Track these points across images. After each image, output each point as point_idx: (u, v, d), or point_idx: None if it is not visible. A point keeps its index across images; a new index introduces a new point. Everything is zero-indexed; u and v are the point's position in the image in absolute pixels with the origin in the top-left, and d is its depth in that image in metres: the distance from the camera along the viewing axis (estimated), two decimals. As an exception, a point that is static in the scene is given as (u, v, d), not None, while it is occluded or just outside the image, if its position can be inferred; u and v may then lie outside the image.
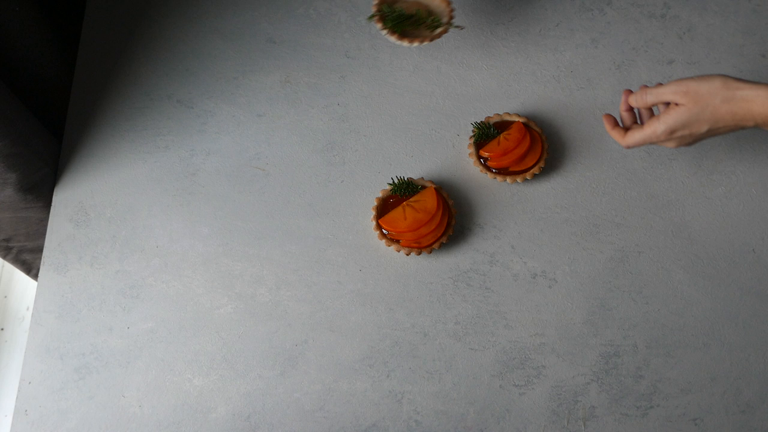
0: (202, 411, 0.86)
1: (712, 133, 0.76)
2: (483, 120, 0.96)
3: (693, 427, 0.84)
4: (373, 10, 0.93)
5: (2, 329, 1.61)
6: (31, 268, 1.14)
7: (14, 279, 1.65)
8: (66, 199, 0.96)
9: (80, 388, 0.87)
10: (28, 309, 1.62)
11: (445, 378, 0.86)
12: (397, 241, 0.89)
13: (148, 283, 0.91)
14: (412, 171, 0.96)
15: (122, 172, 0.97)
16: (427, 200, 0.89)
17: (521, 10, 1.05)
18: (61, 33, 1.06)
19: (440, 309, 0.89)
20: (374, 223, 0.90)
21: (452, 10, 0.95)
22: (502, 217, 0.93)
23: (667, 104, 0.79)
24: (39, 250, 0.97)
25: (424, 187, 0.91)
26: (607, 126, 0.84)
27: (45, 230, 0.95)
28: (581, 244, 0.92)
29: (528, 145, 0.92)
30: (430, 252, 0.89)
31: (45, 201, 0.97)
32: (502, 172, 0.93)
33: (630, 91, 0.83)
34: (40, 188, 0.96)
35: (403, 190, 0.91)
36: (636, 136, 0.79)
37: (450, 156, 0.97)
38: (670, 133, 0.77)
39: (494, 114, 0.96)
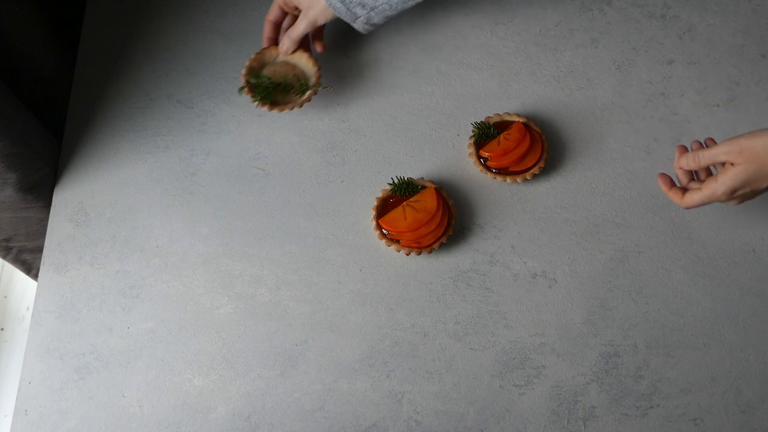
0: (202, 411, 0.86)
1: None
2: (483, 120, 0.96)
3: (693, 427, 0.84)
4: (242, 81, 0.95)
5: (2, 329, 1.61)
6: (31, 268, 1.14)
7: (14, 279, 1.65)
8: (66, 199, 0.96)
9: (80, 388, 0.87)
10: (28, 309, 1.62)
11: (445, 378, 0.86)
12: (397, 241, 0.89)
13: (148, 283, 0.91)
14: (412, 171, 0.96)
15: (122, 172, 0.97)
16: (427, 200, 0.89)
17: (521, 10, 1.05)
18: (61, 33, 1.06)
19: (440, 309, 0.89)
20: (374, 223, 0.90)
21: (319, 69, 0.96)
22: (502, 217, 0.93)
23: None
24: (39, 250, 0.97)
25: (424, 187, 0.91)
26: (664, 187, 0.81)
27: (45, 230, 0.95)
28: (581, 244, 0.92)
29: (528, 145, 0.92)
30: (430, 252, 0.89)
31: (45, 201, 0.97)
32: (502, 172, 0.93)
33: (684, 148, 0.81)
34: (40, 188, 0.96)
35: (403, 190, 0.91)
36: (695, 197, 0.78)
37: (450, 156, 0.97)
38: (731, 194, 0.75)
39: (494, 114, 0.96)
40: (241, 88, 0.94)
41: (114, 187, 0.97)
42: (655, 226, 0.92)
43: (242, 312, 0.90)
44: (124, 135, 0.99)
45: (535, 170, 0.92)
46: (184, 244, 0.93)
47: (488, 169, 0.93)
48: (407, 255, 0.90)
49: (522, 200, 0.94)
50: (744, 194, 0.76)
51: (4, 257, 1.09)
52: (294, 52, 0.96)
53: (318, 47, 0.99)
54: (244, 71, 0.95)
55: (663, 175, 0.82)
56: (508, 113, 0.96)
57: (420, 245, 0.88)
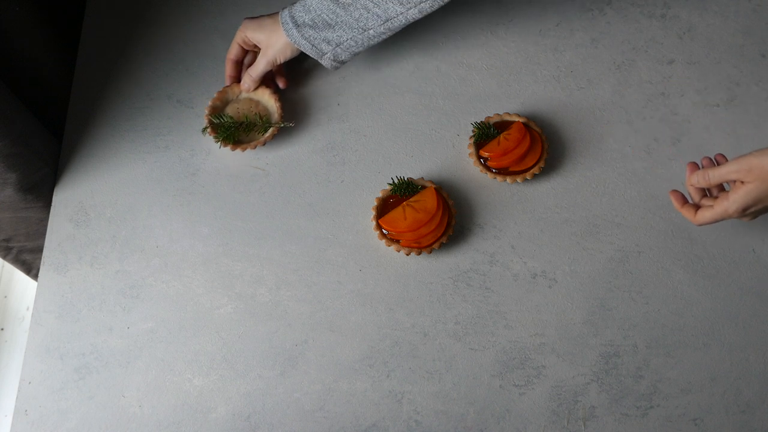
0: (202, 411, 0.86)
1: None
2: (483, 120, 0.96)
3: (693, 427, 0.84)
4: (205, 121, 0.96)
5: (2, 329, 1.61)
6: (31, 268, 1.14)
7: (14, 279, 1.65)
8: (66, 199, 0.96)
9: (80, 388, 0.87)
10: (28, 309, 1.62)
11: (445, 378, 0.86)
12: (397, 241, 0.89)
13: (148, 283, 0.91)
14: (412, 171, 0.96)
15: (122, 172, 0.97)
16: (427, 200, 0.89)
17: (521, 10, 1.05)
18: (61, 33, 1.06)
19: (440, 309, 0.89)
20: (374, 223, 0.90)
21: (281, 105, 0.97)
22: (502, 217, 0.93)
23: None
24: (39, 250, 0.97)
25: (424, 187, 0.91)
26: (676, 204, 0.82)
27: (45, 230, 0.95)
28: (581, 244, 0.92)
29: (528, 145, 0.92)
30: (430, 252, 0.89)
31: (45, 201, 0.97)
32: (502, 172, 0.93)
33: (695, 165, 0.81)
34: (40, 188, 0.96)
35: (403, 190, 0.91)
36: (707, 215, 0.78)
37: (450, 156, 0.97)
38: (743, 211, 0.76)
39: (494, 114, 0.96)
40: (204, 129, 0.95)
41: (114, 187, 0.97)
42: (655, 226, 0.92)
43: (242, 312, 0.90)
44: (124, 135, 0.99)
45: (535, 170, 0.92)
46: (184, 244, 0.93)
47: (488, 169, 0.93)
48: (407, 255, 0.90)
49: (522, 200, 0.94)
50: (757, 211, 0.77)
51: (4, 257, 1.09)
52: (256, 89, 0.97)
53: (280, 83, 1.00)
54: (207, 111, 0.96)
55: (675, 192, 0.83)
56: (508, 113, 0.96)
57: (420, 245, 0.88)
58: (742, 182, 0.74)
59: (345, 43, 0.89)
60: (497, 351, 0.87)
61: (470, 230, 0.93)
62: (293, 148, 0.98)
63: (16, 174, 0.91)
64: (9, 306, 1.63)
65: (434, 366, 0.87)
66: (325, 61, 0.92)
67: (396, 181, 0.92)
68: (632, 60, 1.01)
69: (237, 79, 0.99)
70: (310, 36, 0.89)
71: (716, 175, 0.77)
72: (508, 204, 0.94)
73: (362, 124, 0.99)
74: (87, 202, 0.96)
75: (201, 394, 0.86)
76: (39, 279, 0.92)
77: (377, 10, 0.86)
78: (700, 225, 0.80)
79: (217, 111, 0.97)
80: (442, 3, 0.85)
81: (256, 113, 0.97)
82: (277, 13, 0.92)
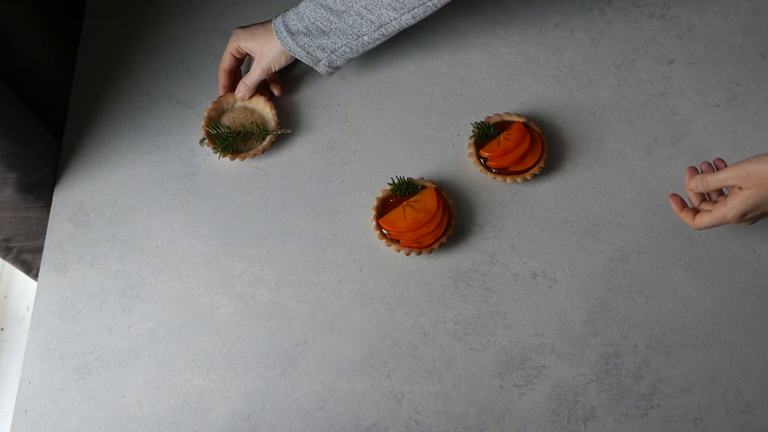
0: (202, 411, 0.86)
1: None
2: (483, 120, 0.96)
3: (693, 427, 0.84)
4: (202, 132, 0.96)
5: (2, 329, 1.61)
6: (31, 268, 1.14)
7: (14, 279, 1.65)
8: (66, 199, 0.96)
9: (80, 388, 0.87)
10: (28, 309, 1.62)
11: (445, 378, 0.86)
12: (397, 241, 0.89)
13: (148, 283, 0.91)
14: (412, 171, 0.96)
15: (122, 172, 0.97)
16: (427, 200, 0.89)
17: (521, 10, 1.05)
18: (61, 33, 1.06)
19: (440, 309, 0.89)
20: (374, 223, 0.90)
21: (277, 112, 0.97)
22: (502, 217, 0.93)
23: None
24: (39, 250, 0.97)
25: (424, 187, 0.91)
26: (675, 208, 0.82)
27: (45, 230, 0.95)
28: (581, 244, 0.92)
29: (528, 145, 0.92)
30: (430, 252, 0.89)
31: (45, 201, 0.97)
32: (502, 172, 0.93)
33: (694, 170, 0.82)
34: (40, 188, 0.96)
35: (403, 190, 0.91)
36: (706, 220, 0.78)
37: (450, 156, 0.97)
38: (741, 217, 0.76)
39: (494, 114, 0.96)
40: (202, 140, 0.95)
41: (114, 187, 0.97)
42: (655, 226, 0.92)
43: (242, 312, 0.90)
44: (124, 135, 0.99)
45: (535, 170, 0.92)
46: (184, 244, 0.93)
47: (488, 169, 0.93)
48: (407, 255, 0.90)
49: (522, 200, 0.94)
50: (755, 216, 0.77)
51: (4, 257, 1.09)
52: (251, 97, 0.97)
53: (275, 90, 1.00)
54: (203, 122, 0.96)
55: (674, 196, 0.83)
56: (508, 113, 0.96)
57: (420, 245, 0.88)
58: (741, 188, 0.75)
59: (340, 50, 0.89)
60: (497, 351, 0.87)
61: (470, 230, 0.93)
62: (293, 148, 0.98)
63: (16, 174, 0.91)
64: (9, 306, 1.63)
65: (434, 366, 0.87)
66: (320, 68, 0.93)
67: (396, 181, 0.92)
68: (632, 60, 1.01)
69: (230, 88, 0.99)
70: (304, 44, 0.89)
71: (714, 180, 0.77)
72: (508, 204, 0.94)
73: (362, 124, 0.99)
74: (87, 202, 0.96)
75: (201, 394, 0.86)
76: (39, 279, 0.92)
77: (371, 16, 0.86)
78: (699, 229, 0.80)
79: (213, 121, 0.97)
80: (434, 8, 0.85)
81: (252, 122, 0.97)
82: (270, 21, 0.93)
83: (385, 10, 0.85)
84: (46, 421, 0.86)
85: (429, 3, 0.84)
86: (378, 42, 0.89)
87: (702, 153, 0.95)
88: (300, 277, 0.91)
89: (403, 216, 0.88)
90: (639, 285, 0.89)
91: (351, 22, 0.87)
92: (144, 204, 0.95)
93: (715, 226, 0.78)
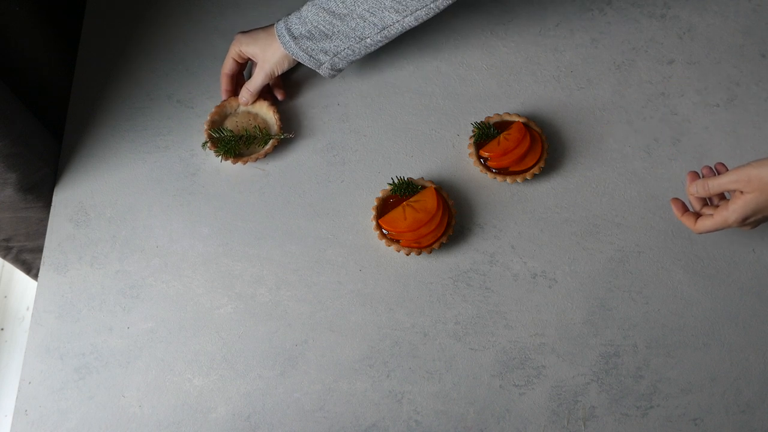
0: (202, 411, 0.86)
1: None
2: (483, 120, 0.96)
3: (693, 427, 0.84)
4: (205, 135, 0.96)
5: (2, 329, 1.61)
6: (31, 268, 1.14)
7: (14, 279, 1.65)
8: (66, 199, 0.96)
9: (80, 388, 0.87)
10: (28, 309, 1.62)
11: (445, 378, 0.86)
12: (397, 241, 0.89)
13: (148, 283, 0.91)
14: (412, 171, 0.96)
15: (122, 172, 0.97)
16: (427, 200, 0.89)
17: (521, 10, 1.05)
18: (61, 33, 1.06)
19: (440, 309, 0.89)
20: (374, 223, 0.90)
21: (280, 117, 0.97)
22: (502, 217, 0.93)
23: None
24: (39, 250, 0.97)
25: (424, 187, 0.91)
26: (677, 212, 0.82)
27: (45, 230, 0.95)
28: (581, 244, 0.92)
29: (528, 145, 0.92)
30: (430, 252, 0.89)
31: (45, 201, 0.97)
32: (502, 172, 0.93)
33: (695, 174, 0.82)
34: (40, 188, 0.96)
35: (403, 190, 0.91)
36: (707, 223, 0.78)
37: (450, 156, 0.97)
38: (743, 221, 0.76)
39: (494, 114, 0.96)
40: (205, 143, 0.95)
41: (114, 187, 0.97)
42: (655, 226, 0.92)
43: (242, 312, 0.90)
44: (124, 135, 0.99)
45: (535, 170, 0.92)
46: (184, 244, 0.93)
47: (488, 169, 0.93)
48: (407, 255, 0.90)
49: (522, 200, 0.94)
50: (756, 220, 0.77)
51: (4, 257, 1.09)
52: (254, 102, 0.97)
53: (279, 95, 1.00)
54: (206, 126, 0.96)
55: (676, 200, 0.83)
56: (508, 113, 0.96)
57: (420, 245, 0.88)
58: (742, 192, 0.75)
59: (342, 53, 0.89)
60: (497, 351, 0.87)
61: (470, 230, 0.93)
62: (293, 149, 0.98)
63: (16, 174, 0.91)
64: (9, 306, 1.63)
65: (434, 366, 0.87)
66: (323, 71, 0.93)
67: (396, 181, 0.92)
68: (632, 60, 1.01)
69: (233, 93, 0.99)
70: (307, 47, 0.89)
71: (715, 184, 0.77)
72: (508, 204, 0.94)
73: (362, 124, 0.99)
74: (87, 202, 0.96)
75: (201, 394, 0.86)
76: (39, 279, 0.92)
77: (373, 18, 0.86)
78: (700, 233, 0.80)
79: (216, 125, 0.97)
80: (437, 10, 0.85)
81: (255, 126, 0.97)
82: (271, 25, 0.93)
83: (387, 13, 0.85)
84: (46, 421, 0.86)
85: (432, 5, 0.84)
86: (380, 44, 0.90)
87: (702, 153, 0.95)
88: (300, 277, 0.91)
89: (403, 216, 0.89)
90: (639, 285, 0.89)
91: (353, 25, 0.87)
92: (144, 204, 0.95)
93: (716, 230, 0.79)
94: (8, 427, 0.87)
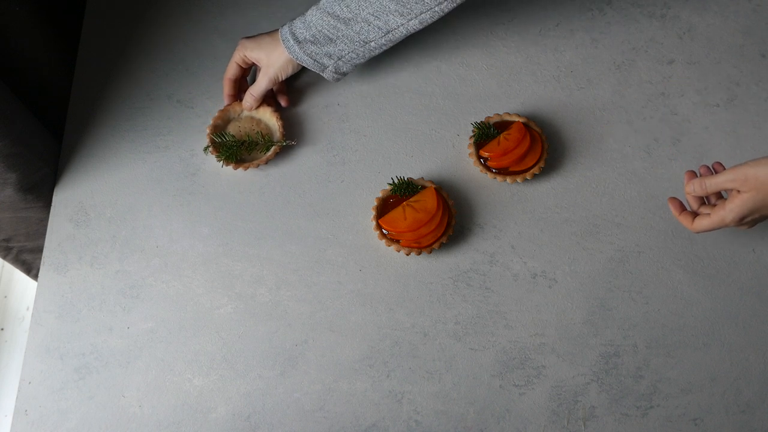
0: (202, 411, 0.86)
1: None
2: (483, 120, 0.96)
3: (693, 427, 0.84)
4: (207, 140, 0.95)
5: (2, 329, 1.61)
6: (31, 268, 1.14)
7: (14, 279, 1.65)
8: (66, 199, 0.96)
9: (80, 388, 0.87)
10: (28, 309, 1.62)
11: (445, 378, 0.86)
12: (397, 241, 0.89)
13: (148, 283, 0.91)
14: (412, 171, 0.96)
15: (122, 172, 0.97)
16: (427, 200, 0.89)
17: (521, 10, 1.05)
18: (61, 33, 1.06)
19: (440, 309, 0.89)
20: (374, 223, 0.90)
21: (283, 123, 0.96)
22: (502, 217, 0.93)
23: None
24: (39, 250, 0.97)
25: (424, 187, 0.91)
26: (675, 211, 0.82)
27: (45, 230, 0.95)
28: (581, 244, 0.92)
29: (528, 145, 0.92)
30: (430, 252, 0.89)
31: (45, 201, 0.97)
32: (502, 172, 0.93)
33: (693, 174, 0.82)
34: (40, 188, 0.96)
35: (403, 190, 0.91)
36: (705, 223, 0.79)
37: (450, 156, 0.97)
38: (740, 220, 0.76)
39: (494, 114, 0.96)
40: (206, 147, 0.95)
41: (114, 187, 0.97)
42: (655, 226, 0.92)
43: (242, 312, 0.90)
44: (124, 135, 0.99)
45: (535, 170, 0.92)
46: (184, 244, 0.93)
47: (488, 169, 0.93)
48: (407, 255, 0.90)
49: (522, 200, 0.94)
50: (754, 219, 0.77)
51: (4, 257, 1.09)
52: (258, 107, 0.97)
53: (282, 101, 1.00)
54: (209, 130, 0.96)
55: (673, 199, 0.83)
56: (508, 113, 0.96)
57: (420, 245, 0.88)
58: (739, 191, 0.75)
59: (346, 56, 0.89)
60: (497, 351, 0.87)
61: (470, 230, 0.93)
62: (293, 149, 0.98)
63: (16, 174, 0.91)
64: (9, 306, 1.63)
65: (434, 366, 0.87)
66: (327, 74, 0.93)
67: (396, 181, 0.92)
68: (632, 60, 1.01)
69: (236, 98, 0.98)
70: (312, 51, 0.89)
71: (713, 183, 0.78)
72: (508, 204, 0.94)
73: (362, 124, 0.99)
74: (87, 202, 0.96)
75: (201, 394, 0.86)
76: (39, 279, 0.92)
77: (378, 22, 0.86)
78: (698, 232, 0.81)
79: (218, 130, 0.96)
80: (441, 14, 0.85)
81: (258, 132, 0.97)
82: (275, 30, 0.93)
83: (392, 16, 0.85)
84: (46, 421, 0.86)
85: (436, 8, 0.84)
86: (384, 48, 0.90)
87: (702, 153, 0.95)
88: (300, 277, 0.91)
89: (403, 216, 0.89)
90: (639, 285, 0.89)
91: (358, 29, 0.87)
92: (144, 204, 0.95)
93: (714, 229, 0.79)
94: (8, 427, 0.87)
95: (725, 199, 0.77)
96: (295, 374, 0.87)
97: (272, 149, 0.95)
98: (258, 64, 0.94)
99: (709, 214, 0.78)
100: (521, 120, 0.95)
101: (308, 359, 0.87)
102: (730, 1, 1.05)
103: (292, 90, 1.01)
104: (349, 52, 0.89)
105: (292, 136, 0.98)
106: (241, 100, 0.98)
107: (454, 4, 0.84)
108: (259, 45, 0.93)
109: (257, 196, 0.95)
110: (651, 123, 0.98)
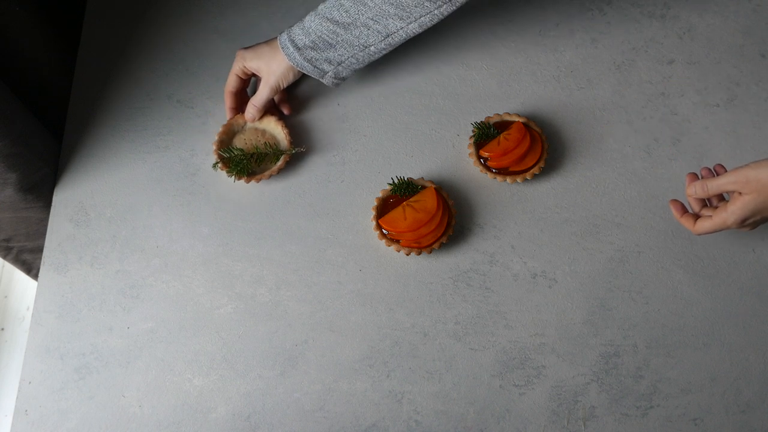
0: (202, 411, 0.86)
1: None
2: (483, 120, 0.96)
3: (693, 427, 0.84)
4: (215, 156, 0.94)
5: (2, 329, 1.61)
6: (31, 268, 1.14)
7: (14, 279, 1.65)
8: (66, 199, 0.96)
9: (80, 388, 0.87)
10: (28, 309, 1.62)
11: (445, 378, 0.86)
12: (397, 241, 0.89)
13: (148, 283, 0.91)
14: (412, 171, 0.96)
15: (122, 172, 0.97)
16: (427, 200, 0.89)
17: (521, 10, 1.05)
18: (61, 33, 1.06)
19: (440, 309, 0.89)
20: (374, 223, 0.90)
21: (289, 131, 0.96)
22: (502, 217, 0.93)
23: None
24: (39, 250, 0.97)
25: (424, 187, 0.91)
26: (676, 214, 0.82)
27: (45, 230, 0.95)
28: (581, 244, 0.92)
29: (528, 145, 0.92)
30: (430, 252, 0.89)
31: (45, 201, 0.97)
32: (502, 172, 0.93)
33: (694, 176, 0.82)
34: (40, 188, 0.96)
35: (403, 190, 0.91)
36: (706, 225, 0.79)
37: (450, 156, 0.97)
38: (742, 222, 0.76)
39: (494, 114, 0.96)
40: (216, 164, 0.94)
41: (114, 187, 0.97)
42: (655, 226, 0.92)
43: (242, 312, 0.90)
44: (124, 135, 0.99)
45: (535, 170, 0.92)
46: (184, 244, 0.93)
47: (488, 169, 0.93)
48: (407, 255, 0.90)
49: (522, 200, 0.94)
50: (755, 221, 0.77)
51: (4, 257, 1.09)
52: (261, 118, 0.96)
53: (285, 110, 0.99)
54: (215, 146, 0.95)
55: (675, 201, 0.83)
56: (508, 113, 0.96)
57: (420, 245, 0.88)
58: (740, 194, 0.75)
59: (346, 61, 0.89)
60: (497, 351, 0.87)
61: (470, 230, 0.93)
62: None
63: (16, 174, 0.91)
64: (9, 306, 1.63)
65: (434, 366, 0.87)
66: (327, 80, 0.92)
67: (396, 181, 0.92)
68: (632, 60, 1.01)
69: (238, 110, 0.97)
70: (311, 58, 0.89)
71: (714, 186, 0.78)
72: (508, 204, 0.94)
73: (362, 124, 0.99)
74: (87, 202, 0.96)
75: (201, 394, 0.86)
76: (39, 279, 0.92)
77: (377, 26, 0.86)
78: (699, 234, 0.81)
79: (224, 145, 0.95)
80: (441, 17, 0.85)
81: (265, 142, 0.96)
82: (273, 39, 0.92)
83: (391, 20, 0.85)
84: (46, 421, 0.86)
85: (435, 12, 0.84)
86: (384, 52, 0.90)
87: (702, 153, 0.95)
88: (300, 277, 0.91)
89: (403, 216, 0.89)
90: (639, 285, 0.89)
91: (357, 34, 0.87)
92: (144, 204, 0.95)
93: (715, 231, 0.79)
94: (8, 427, 0.87)
95: (727, 201, 0.77)
96: (295, 374, 0.87)
97: (282, 158, 0.94)
98: (258, 74, 0.94)
99: (710, 216, 0.78)
100: (521, 120, 0.95)
101: (308, 359, 0.87)
102: (730, 1, 1.05)
103: (290, 92, 1.01)
104: (348, 57, 0.89)
105: (300, 142, 0.98)
106: (242, 112, 0.97)
107: (454, 7, 0.84)
108: (258, 55, 0.92)
109: (257, 196, 0.95)
110: (651, 123, 0.98)
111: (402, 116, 0.99)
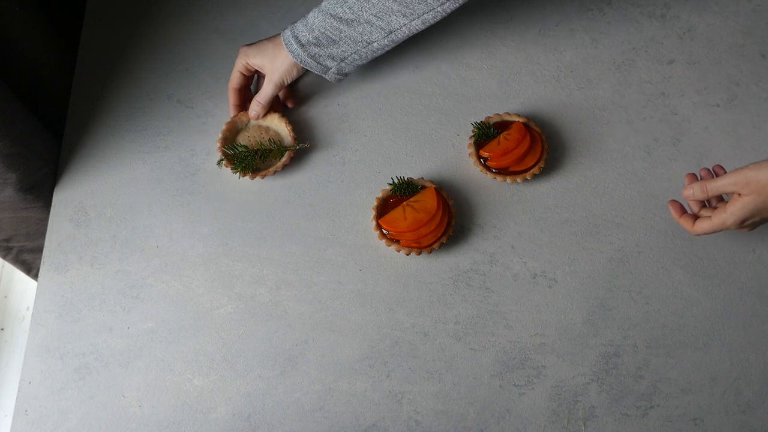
0: (202, 411, 0.86)
1: None
2: (483, 120, 0.96)
3: (693, 427, 0.84)
4: (219, 154, 0.95)
5: (2, 329, 1.61)
6: (31, 268, 1.14)
7: (14, 279, 1.65)
8: (66, 199, 0.96)
9: (80, 388, 0.87)
10: (28, 309, 1.62)
11: (445, 378, 0.86)
12: (397, 241, 0.89)
13: (148, 283, 0.91)
14: (412, 171, 0.96)
15: (122, 172, 0.97)
16: (427, 200, 0.89)
17: (521, 10, 1.05)
18: (61, 33, 1.06)
19: (440, 309, 0.89)
20: (374, 223, 0.90)
21: (293, 128, 0.96)
22: (502, 217, 0.93)
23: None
24: (39, 250, 0.97)
25: (424, 187, 0.91)
26: (675, 214, 0.83)
27: (45, 230, 0.95)
28: (581, 244, 0.92)
29: (528, 145, 0.92)
30: (430, 252, 0.89)
31: (45, 201, 0.97)
32: (502, 172, 0.93)
33: (694, 177, 0.82)
34: (40, 188, 0.96)
35: (403, 190, 0.91)
36: (705, 226, 0.79)
37: (450, 156, 0.97)
38: (741, 223, 0.77)
39: (494, 114, 0.96)
40: (220, 161, 0.94)
41: (114, 187, 0.97)
42: (655, 226, 0.92)
43: (242, 312, 0.90)
44: (124, 135, 0.99)
45: (535, 170, 0.92)
46: (184, 244, 0.93)
47: (488, 169, 0.93)
48: (407, 255, 0.90)
49: (522, 200, 0.94)
50: (754, 222, 0.77)
51: (4, 257, 1.09)
52: (265, 115, 0.96)
53: (289, 104, 0.99)
54: (219, 143, 0.95)
55: (674, 202, 0.83)
56: (508, 113, 0.96)
57: (420, 245, 0.88)
58: (740, 195, 0.75)
59: (349, 58, 0.89)
60: (497, 351, 0.87)
61: (470, 230, 0.93)
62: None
63: (16, 174, 0.91)
64: (9, 306, 1.63)
65: (434, 366, 0.87)
66: (329, 76, 0.92)
67: (396, 181, 0.92)
68: (632, 60, 1.01)
69: (242, 107, 0.97)
70: (315, 54, 0.89)
71: (714, 187, 0.78)
72: (508, 204, 0.94)
73: (362, 124, 0.99)
74: (87, 202, 0.96)
75: (201, 394, 0.86)
76: (39, 279, 0.92)
77: (380, 23, 0.86)
78: (698, 235, 0.81)
79: (228, 142, 0.96)
80: (444, 14, 0.85)
81: (269, 139, 0.96)
82: (277, 35, 0.92)
83: (394, 17, 0.85)
84: (46, 421, 0.86)
85: (438, 9, 0.84)
86: (387, 48, 0.90)
87: (702, 153, 0.95)
88: (300, 277, 0.91)
89: (403, 216, 0.89)
90: (639, 285, 0.89)
91: (361, 30, 0.87)
92: (144, 204, 0.95)
93: (714, 232, 0.79)
94: (8, 427, 0.87)
95: (726, 202, 0.77)
96: (295, 374, 0.87)
97: (286, 154, 0.95)
98: (261, 70, 0.94)
99: (709, 216, 0.78)
100: (521, 120, 0.95)
101: (308, 359, 0.87)
102: (730, 1, 1.05)
103: (291, 88, 1.01)
104: (351, 54, 0.89)
105: (303, 138, 0.98)
106: (246, 109, 0.97)
107: (457, 4, 0.84)
108: (261, 51, 0.92)
109: (257, 196, 0.95)
110: (651, 123, 0.98)
111: (402, 116, 0.99)
